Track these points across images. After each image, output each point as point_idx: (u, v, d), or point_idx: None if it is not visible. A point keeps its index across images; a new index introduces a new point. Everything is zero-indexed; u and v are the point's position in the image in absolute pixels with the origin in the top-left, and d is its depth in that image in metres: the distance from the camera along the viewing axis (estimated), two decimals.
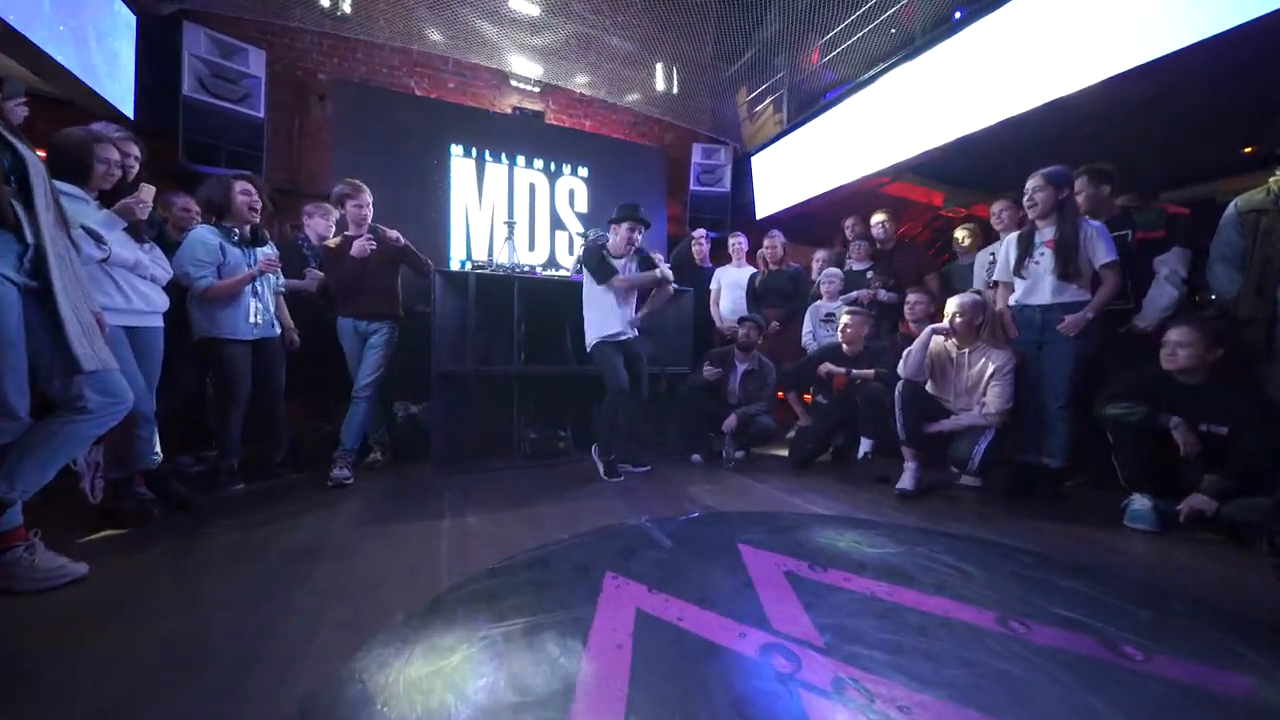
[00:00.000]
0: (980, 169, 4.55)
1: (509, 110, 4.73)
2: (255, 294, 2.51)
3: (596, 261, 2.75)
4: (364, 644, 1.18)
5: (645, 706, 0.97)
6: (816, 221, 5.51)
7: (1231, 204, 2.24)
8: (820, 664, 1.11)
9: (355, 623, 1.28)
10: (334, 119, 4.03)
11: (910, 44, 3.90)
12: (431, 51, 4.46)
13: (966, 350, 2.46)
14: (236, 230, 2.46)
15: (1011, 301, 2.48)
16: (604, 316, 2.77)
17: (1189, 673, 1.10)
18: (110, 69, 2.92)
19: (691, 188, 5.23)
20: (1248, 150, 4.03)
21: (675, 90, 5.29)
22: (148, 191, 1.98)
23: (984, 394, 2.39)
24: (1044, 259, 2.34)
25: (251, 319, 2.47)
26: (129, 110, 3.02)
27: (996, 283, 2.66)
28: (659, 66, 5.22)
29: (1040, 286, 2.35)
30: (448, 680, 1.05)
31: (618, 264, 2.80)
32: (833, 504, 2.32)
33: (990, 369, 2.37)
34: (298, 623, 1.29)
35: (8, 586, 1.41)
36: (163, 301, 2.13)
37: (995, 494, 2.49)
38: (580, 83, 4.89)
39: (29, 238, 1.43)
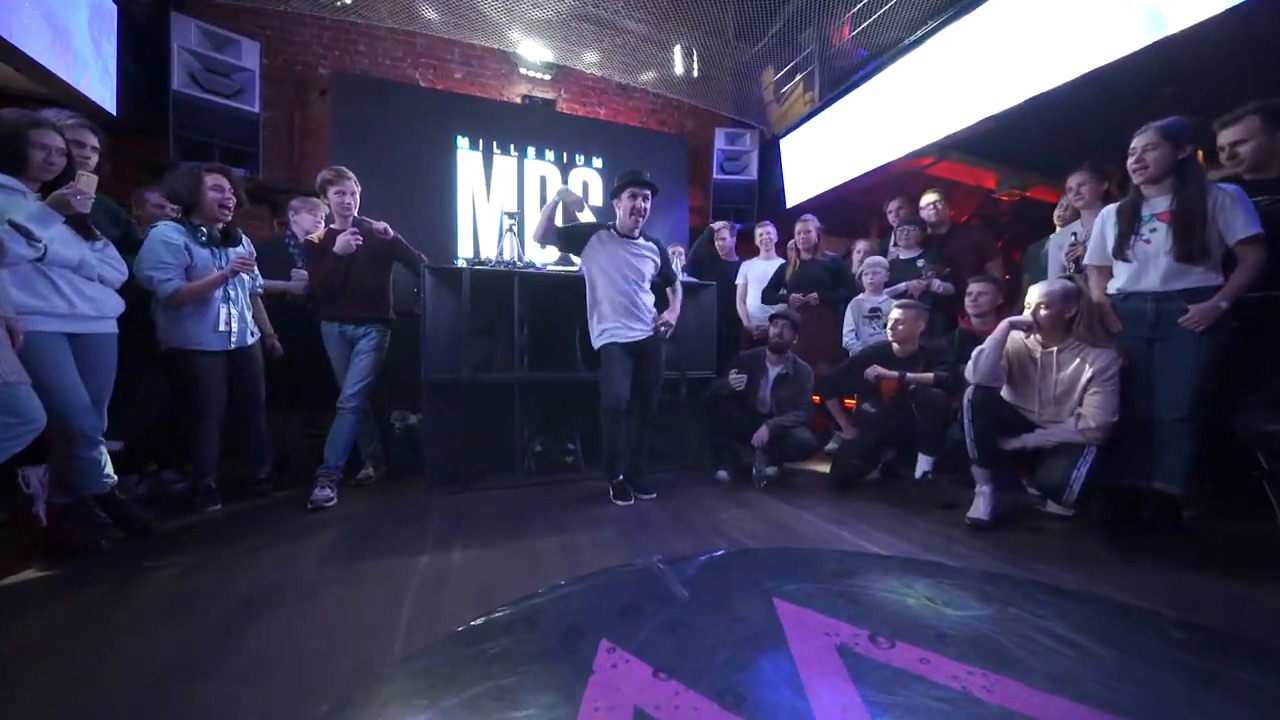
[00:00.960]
0: (1040, 144, 3.99)
1: (519, 100, 4.45)
2: (227, 299, 2.27)
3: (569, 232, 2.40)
4: None
5: None
6: (853, 210, 5.04)
7: None
8: None
9: (269, 714, 0.97)
10: (335, 113, 3.83)
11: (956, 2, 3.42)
12: (436, 37, 4.23)
13: (1055, 349, 2.00)
14: (205, 229, 2.22)
15: (1112, 289, 2.00)
16: (601, 310, 2.39)
17: None
18: (89, 62, 2.76)
19: (714, 176, 4.84)
20: None
21: (695, 72, 4.92)
22: (87, 182, 1.74)
23: (1079, 403, 1.93)
24: (1156, 236, 1.86)
25: (222, 327, 2.23)
26: (111, 106, 2.86)
27: (1082, 268, 2.19)
28: (678, 47, 4.87)
29: (1151, 270, 1.87)
30: None
31: (627, 241, 2.39)
32: (890, 539, 1.91)
33: (1088, 372, 1.91)
34: (211, 699, 0.99)
35: None
36: (114, 306, 1.90)
37: (1091, 526, 2.02)
38: (592, 63, 4.57)
39: None
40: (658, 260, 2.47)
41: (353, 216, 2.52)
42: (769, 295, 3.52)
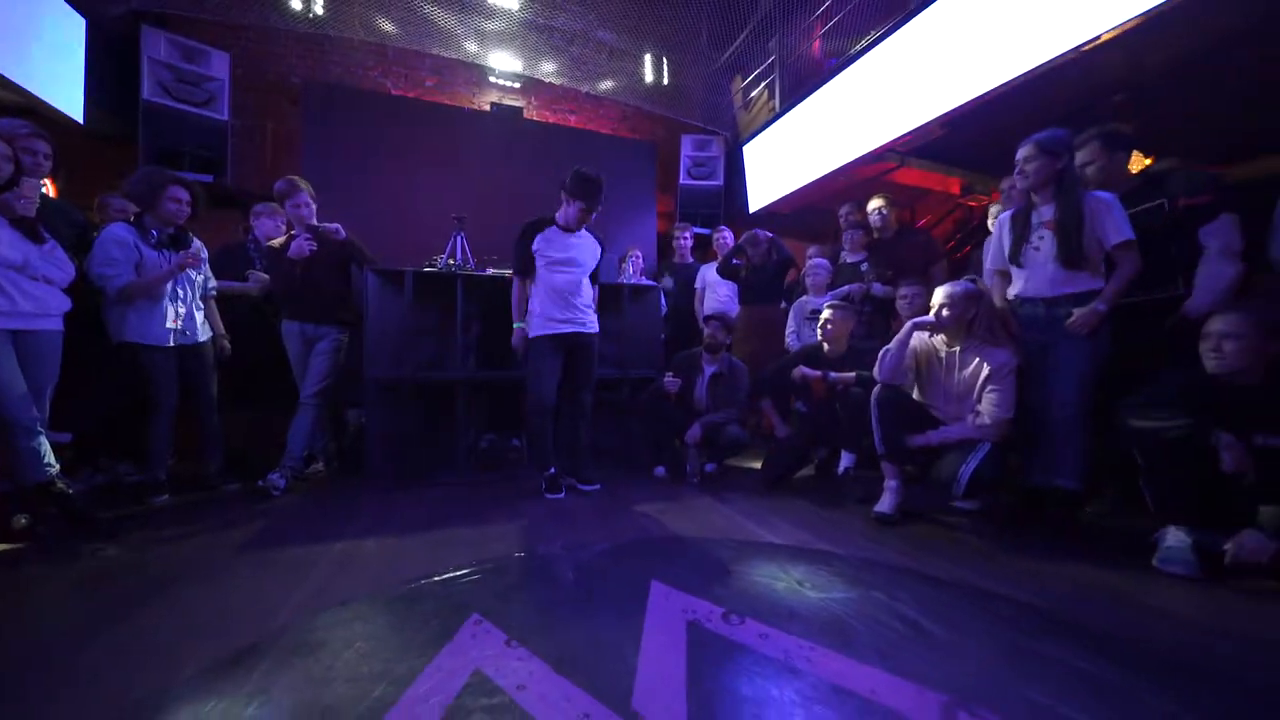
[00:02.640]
0: (1000, 149, 4.07)
1: (487, 107, 4.57)
2: (175, 297, 2.38)
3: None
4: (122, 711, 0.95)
5: None
6: (817, 215, 5.13)
7: None
8: None
9: (144, 669, 1.06)
10: (306, 121, 3.96)
11: (904, 6, 3.52)
12: (407, 49, 4.36)
13: (957, 349, 2.07)
14: (156, 232, 2.34)
15: (1011, 294, 2.09)
16: (536, 300, 2.41)
17: None
18: (56, 73, 2.89)
19: (682, 181, 4.95)
20: None
21: (666, 81, 5.04)
22: (29, 186, 1.86)
23: (979, 401, 2.01)
24: (1043, 243, 1.95)
25: (170, 324, 2.34)
26: (78, 115, 2.99)
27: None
28: (649, 57, 5.00)
29: (1040, 275, 1.96)
30: None
31: (568, 234, 2.39)
32: (795, 531, 1.98)
33: (985, 371, 1.98)
34: (96, 662, 1.08)
35: None
36: (58, 304, 2.00)
37: (997, 523, 2.09)
38: (563, 76, 4.70)
39: None
40: (596, 256, 2.50)
41: (308, 223, 2.63)
42: (724, 266, 3.59)
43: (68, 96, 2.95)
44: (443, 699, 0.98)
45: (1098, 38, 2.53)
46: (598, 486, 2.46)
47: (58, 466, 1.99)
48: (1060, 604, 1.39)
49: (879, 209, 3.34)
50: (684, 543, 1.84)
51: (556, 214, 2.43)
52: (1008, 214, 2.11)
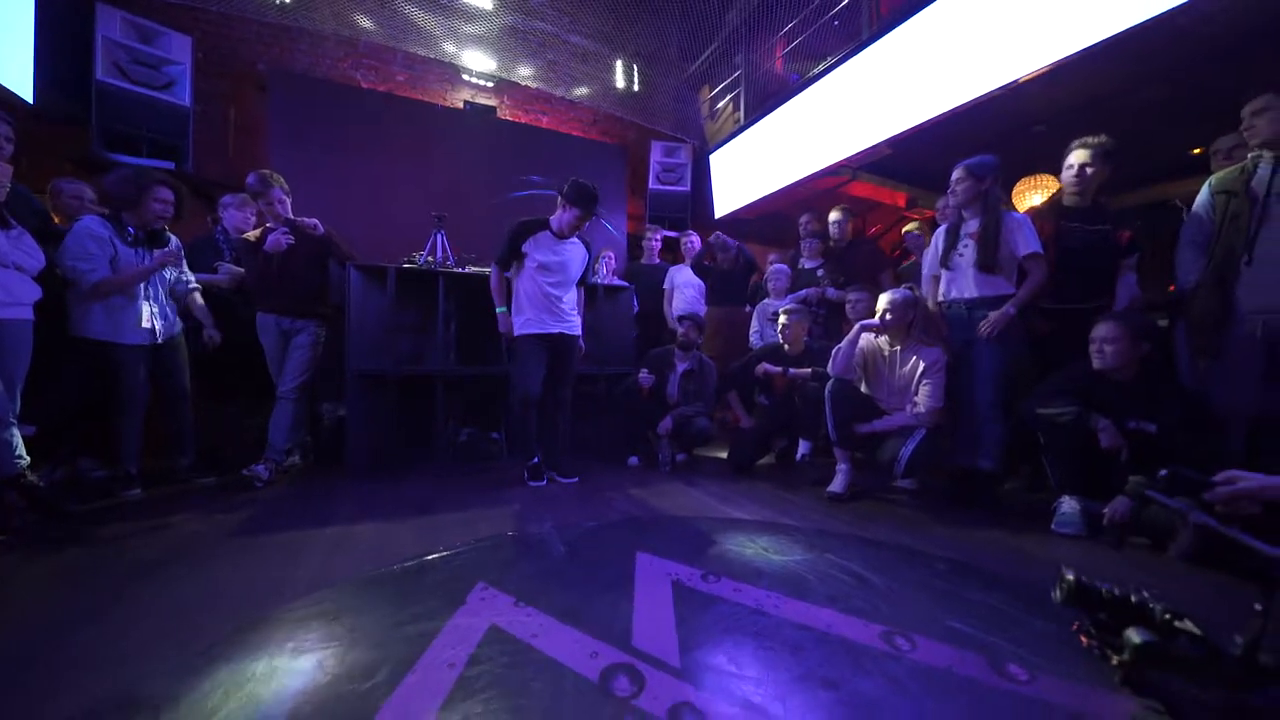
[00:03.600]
0: (941, 168, 4.50)
1: (460, 105, 4.61)
2: (149, 297, 2.36)
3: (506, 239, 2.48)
4: (148, 673, 1.04)
5: None
6: (781, 222, 5.45)
7: (1206, 183, 2.10)
8: (665, 687, 0.99)
9: (157, 646, 1.14)
10: (273, 111, 3.88)
11: (858, 36, 3.86)
12: (379, 43, 4.33)
13: (899, 348, 2.37)
14: (133, 230, 2.30)
15: (941, 297, 2.40)
16: (520, 303, 2.50)
17: (1071, 695, 1.00)
18: (3, 50, 2.75)
19: (651, 186, 5.14)
20: (1196, 151, 4.02)
21: (637, 88, 5.22)
22: (2, 171, 1.82)
23: (916, 393, 2.31)
24: (967, 251, 2.28)
25: (145, 324, 2.32)
26: (27, 94, 2.85)
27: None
28: (620, 64, 5.16)
29: (964, 279, 2.29)
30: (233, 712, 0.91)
31: (559, 242, 2.49)
32: (759, 509, 2.21)
33: (921, 367, 2.29)
34: (97, 646, 1.14)
35: None
36: (28, 292, 1.97)
37: (932, 499, 2.40)
38: (536, 78, 4.79)
39: None
40: (584, 261, 2.62)
41: (284, 218, 2.64)
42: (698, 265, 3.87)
43: (16, 75, 2.80)
44: (467, 648, 1.12)
45: (1019, 78, 2.91)
46: (576, 479, 2.59)
47: (28, 459, 1.95)
48: (974, 558, 1.68)
49: (837, 220, 3.64)
50: (663, 520, 2.03)
51: (551, 218, 2.51)
52: (943, 227, 2.42)
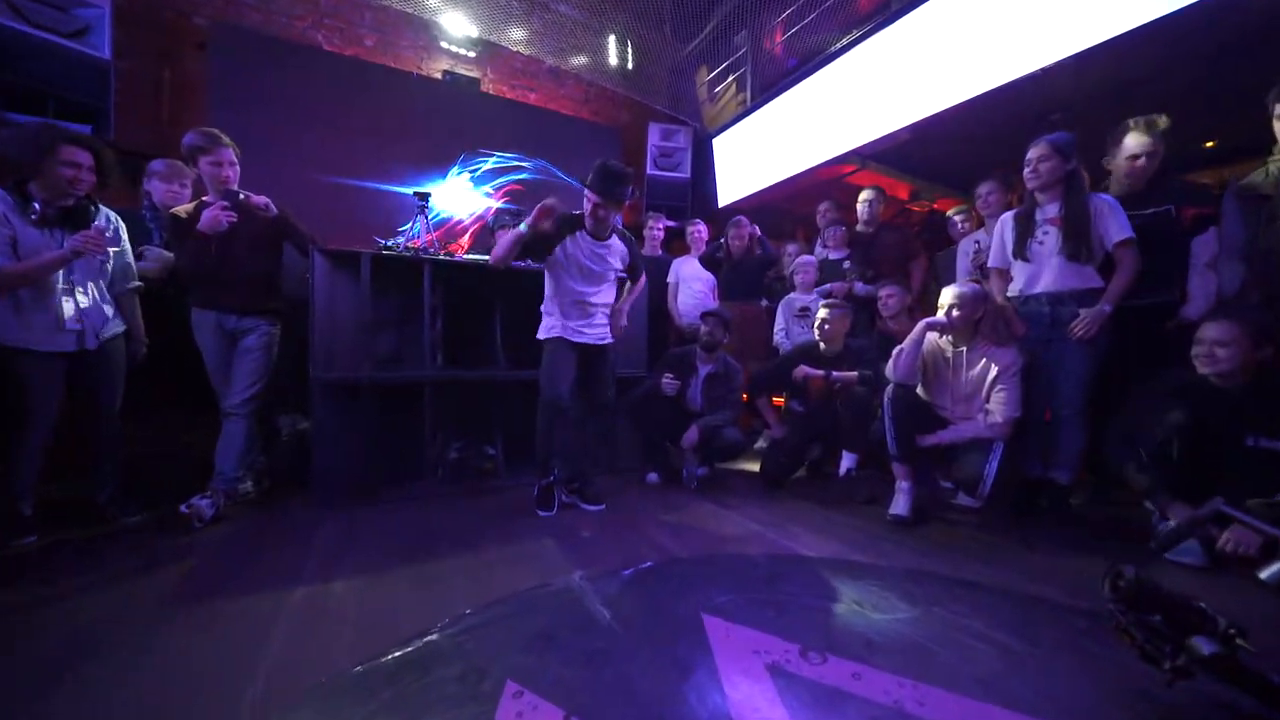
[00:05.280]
0: (947, 161, 4.29)
1: (438, 76, 4.10)
2: (71, 291, 1.85)
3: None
4: None
5: None
6: (780, 215, 5.17)
7: (1228, 189, 1.97)
8: None
9: None
10: (214, 71, 3.31)
11: (878, 15, 3.57)
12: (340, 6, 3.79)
13: (964, 349, 2.08)
14: (40, 204, 1.78)
15: (1012, 291, 2.12)
16: (551, 308, 2.20)
17: None
18: None
19: (648, 171, 4.75)
20: (1208, 145, 3.92)
21: (630, 63, 4.82)
22: None
23: (987, 400, 2.02)
24: (1048, 238, 2.00)
25: (68, 325, 1.82)
26: None
27: (988, 271, 2.30)
28: (612, 37, 4.74)
29: (1045, 271, 2.01)
30: None
31: (595, 242, 2.14)
32: (816, 539, 1.89)
33: (993, 371, 2.00)
34: None
35: None
36: None
37: (996, 516, 2.13)
38: (519, 41, 4.32)
39: None
40: (625, 259, 2.26)
41: (227, 189, 2.14)
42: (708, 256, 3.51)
43: None
44: None
45: (1043, 65, 2.67)
46: (602, 507, 2.20)
47: None
48: (1092, 600, 1.38)
49: (869, 200, 3.36)
50: (712, 562, 1.68)
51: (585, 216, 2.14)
52: (1009, 214, 2.14)
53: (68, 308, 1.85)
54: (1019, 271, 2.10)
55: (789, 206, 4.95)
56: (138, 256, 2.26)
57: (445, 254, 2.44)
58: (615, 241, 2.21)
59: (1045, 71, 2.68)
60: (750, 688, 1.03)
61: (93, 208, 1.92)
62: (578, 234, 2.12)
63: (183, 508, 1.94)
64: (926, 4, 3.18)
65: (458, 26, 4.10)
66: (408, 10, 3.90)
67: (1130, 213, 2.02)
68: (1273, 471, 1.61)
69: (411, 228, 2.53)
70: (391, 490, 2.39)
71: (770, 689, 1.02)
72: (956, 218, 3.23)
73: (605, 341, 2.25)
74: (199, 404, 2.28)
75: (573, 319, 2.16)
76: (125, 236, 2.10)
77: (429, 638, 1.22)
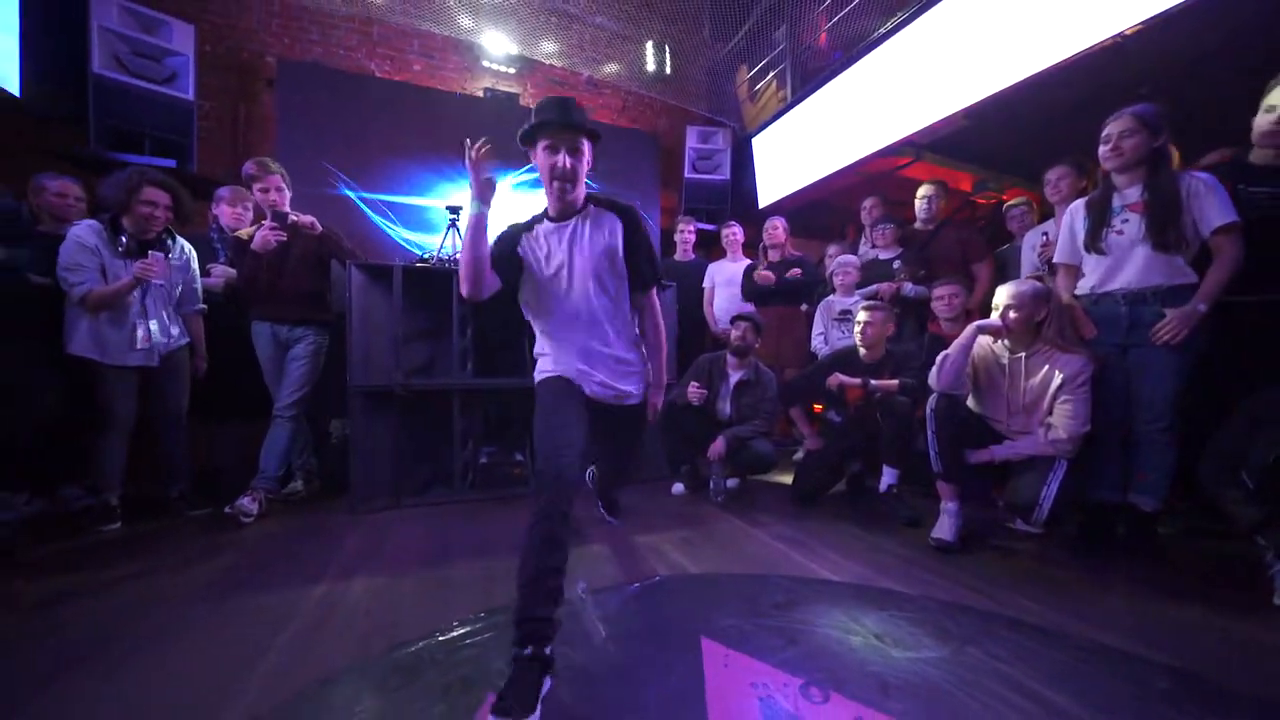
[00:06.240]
0: (1014, 144, 3.89)
1: (480, 93, 4.27)
2: (145, 315, 2.08)
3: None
4: None
5: None
6: (828, 211, 4.92)
7: None
8: None
9: None
10: (282, 105, 3.62)
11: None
12: (394, 26, 4.04)
13: (1023, 355, 1.85)
14: (126, 238, 2.03)
15: (1083, 289, 1.87)
16: (543, 341, 1.52)
17: None
18: None
19: (686, 175, 4.69)
20: None
21: (668, 68, 4.79)
22: None
23: (1049, 412, 1.79)
24: (1129, 226, 1.73)
25: (140, 345, 2.06)
26: (13, 87, 2.63)
27: (1054, 267, 2.05)
28: (650, 45, 4.74)
29: (1126, 264, 1.74)
30: None
31: (564, 229, 1.41)
32: (845, 561, 1.74)
33: (1057, 379, 1.76)
34: None
35: None
36: None
37: (1062, 545, 1.88)
38: (554, 54, 4.41)
39: None
40: (618, 238, 1.42)
41: (277, 211, 2.32)
42: (748, 291, 3.35)
43: (1, 68, 2.59)
44: None
45: (1124, 30, 2.34)
46: (617, 523, 2.07)
47: None
48: (1180, 656, 1.17)
49: (928, 196, 3.13)
50: (726, 581, 1.59)
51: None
52: (1080, 201, 1.89)
53: (140, 332, 2.07)
54: (1092, 266, 1.84)
55: (841, 203, 4.70)
56: (204, 273, 2.50)
57: None
58: (593, 219, 1.43)
59: (1124, 38, 2.37)
60: None
61: (168, 240, 2.16)
62: (536, 229, 1.45)
63: (227, 508, 2.10)
64: None
65: (498, 45, 4.25)
66: (448, 33, 4.09)
67: (1267, 190, 1.72)
68: None
69: (443, 240, 2.63)
70: (423, 494, 2.47)
71: None
72: (1015, 210, 2.93)
73: (630, 400, 1.55)
74: (258, 410, 2.48)
75: (573, 362, 1.46)
76: (195, 265, 2.32)
77: (426, 641, 1.22)
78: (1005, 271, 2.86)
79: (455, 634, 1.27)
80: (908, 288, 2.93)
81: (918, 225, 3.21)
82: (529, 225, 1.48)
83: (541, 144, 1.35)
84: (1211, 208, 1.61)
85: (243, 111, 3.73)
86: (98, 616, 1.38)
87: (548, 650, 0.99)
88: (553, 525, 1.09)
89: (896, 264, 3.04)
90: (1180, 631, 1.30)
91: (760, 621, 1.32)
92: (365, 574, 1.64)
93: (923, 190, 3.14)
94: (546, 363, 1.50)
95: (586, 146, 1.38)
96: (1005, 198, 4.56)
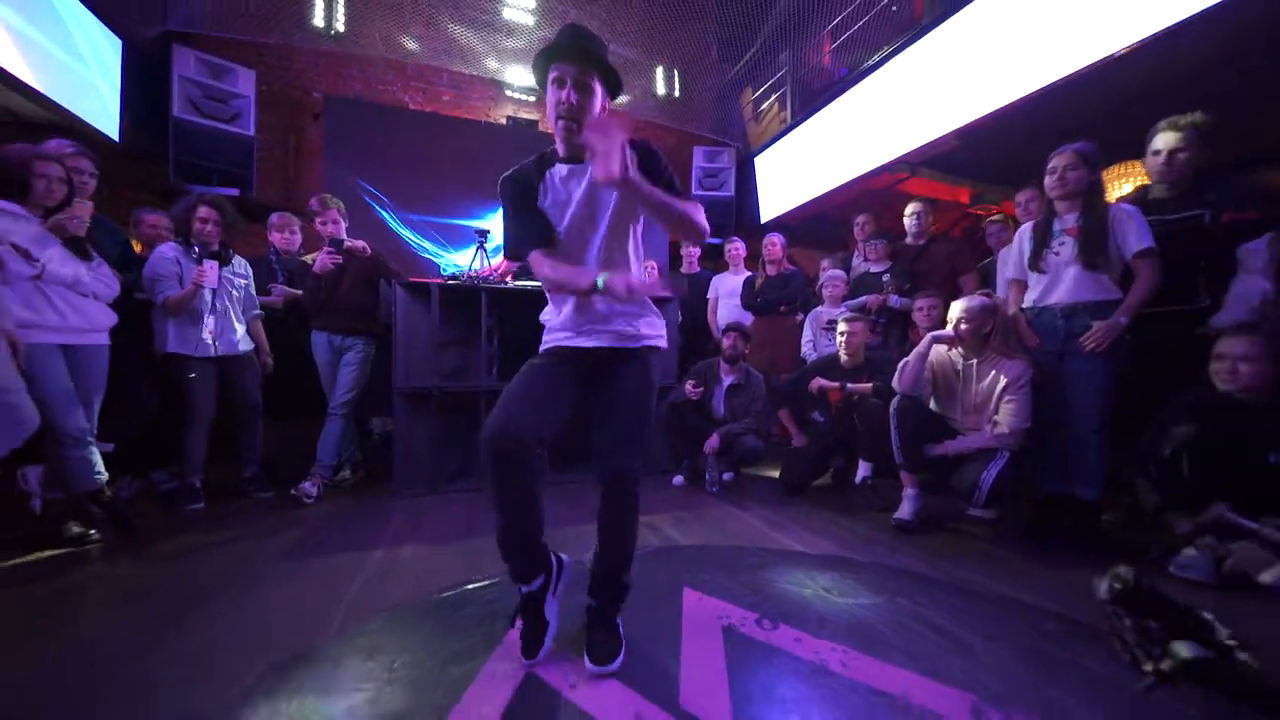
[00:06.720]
0: (1008, 159, 4.11)
1: (503, 120, 4.67)
2: (213, 311, 2.47)
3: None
4: (205, 698, 1.02)
5: None
6: (829, 224, 5.19)
7: None
8: None
9: (204, 678, 1.12)
10: (328, 136, 4.07)
11: (916, 23, 3.59)
12: (426, 64, 4.47)
13: (975, 361, 2.13)
14: (198, 250, 2.43)
15: (1027, 302, 2.14)
16: (549, 306, 1.36)
17: None
18: (94, 92, 3.00)
19: (694, 192, 5.02)
20: None
21: (677, 94, 5.13)
22: (82, 208, 1.94)
23: (996, 411, 2.06)
24: (1064, 248, 2.01)
25: (206, 336, 2.43)
26: (114, 133, 3.09)
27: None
28: (660, 70, 5.09)
29: (1061, 281, 2.01)
30: None
31: (558, 180, 1.23)
32: (816, 539, 2.03)
33: (1002, 382, 2.03)
34: (152, 673, 1.14)
35: None
36: (106, 319, 2.08)
37: (1015, 530, 2.13)
38: None
39: None
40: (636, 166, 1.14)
41: (333, 238, 2.72)
42: (747, 301, 3.66)
43: (105, 115, 3.05)
44: (501, 698, 1.04)
45: (1114, 53, 2.56)
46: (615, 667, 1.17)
47: (106, 475, 2.06)
48: (1088, 612, 1.43)
49: (916, 213, 3.36)
50: (710, 550, 1.90)
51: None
52: (1028, 224, 2.17)
53: (208, 324, 2.43)
54: (1034, 282, 2.11)
55: (843, 216, 4.97)
56: (267, 292, 2.90)
57: (499, 282, 2.87)
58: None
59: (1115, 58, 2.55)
60: (703, 641, 1.25)
61: (228, 252, 2.54)
62: (550, 170, 1.25)
63: (292, 490, 2.48)
64: (963, 11, 3.17)
65: (520, 78, 4.65)
66: (475, 73, 4.50)
67: (1158, 217, 1.99)
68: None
69: (472, 260, 3.00)
70: (455, 481, 2.83)
71: (718, 644, 1.25)
72: (993, 226, 3.17)
73: (631, 344, 1.28)
74: (311, 409, 2.85)
75: (556, 321, 1.32)
76: (251, 277, 2.70)
77: (465, 586, 1.56)
78: (989, 283, 3.10)
79: (483, 584, 1.60)
80: (893, 299, 3.19)
81: (908, 240, 3.46)
82: (539, 170, 1.26)
83: (551, 75, 1.16)
84: (1132, 234, 1.88)
85: (292, 141, 4.18)
86: (210, 569, 1.75)
87: (534, 585, 1.21)
88: (502, 480, 1.18)
89: (886, 277, 3.30)
90: (1084, 593, 1.56)
91: (734, 578, 1.62)
92: (412, 542, 1.99)
93: (911, 207, 3.39)
94: (549, 333, 1.35)
95: (599, 88, 1.17)
96: (1003, 209, 4.78)
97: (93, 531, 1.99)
